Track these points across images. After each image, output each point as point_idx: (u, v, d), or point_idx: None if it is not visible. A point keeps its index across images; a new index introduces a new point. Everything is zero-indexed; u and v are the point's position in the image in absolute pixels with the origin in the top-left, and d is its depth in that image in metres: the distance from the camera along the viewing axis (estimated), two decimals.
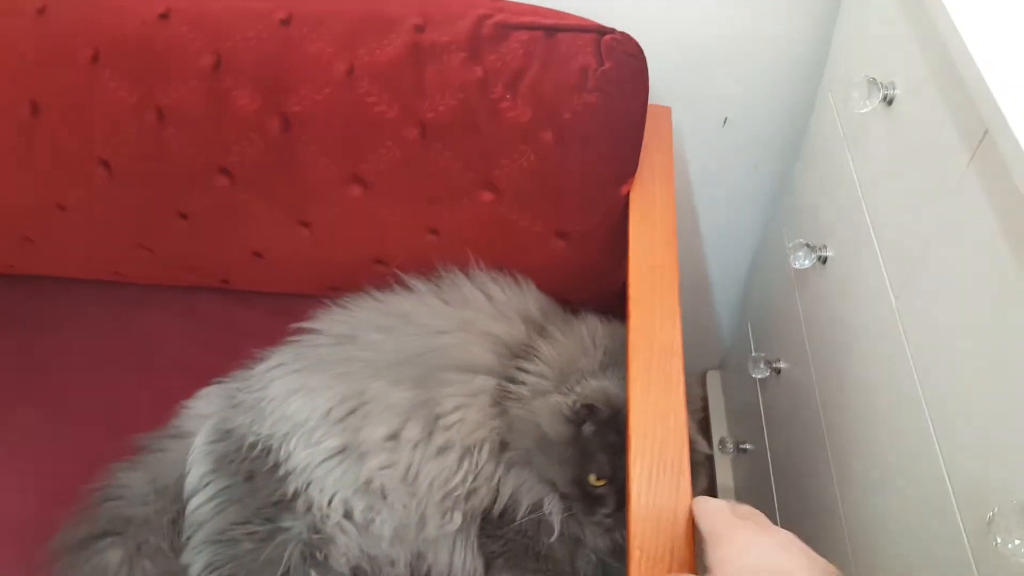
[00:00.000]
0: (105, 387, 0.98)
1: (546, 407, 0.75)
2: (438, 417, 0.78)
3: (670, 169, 0.92)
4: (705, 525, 0.56)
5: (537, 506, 0.76)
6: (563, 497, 0.76)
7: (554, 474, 0.75)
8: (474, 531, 0.79)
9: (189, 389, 0.93)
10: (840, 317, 0.86)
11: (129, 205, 0.95)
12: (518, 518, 0.76)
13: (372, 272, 0.99)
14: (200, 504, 0.79)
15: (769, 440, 1.11)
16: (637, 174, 0.90)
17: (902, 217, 0.71)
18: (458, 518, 0.77)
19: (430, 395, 0.79)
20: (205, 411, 0.87)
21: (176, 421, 0.89)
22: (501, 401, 0.80)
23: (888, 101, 0.74)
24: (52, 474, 0.89)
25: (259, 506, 0.78)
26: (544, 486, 0.77)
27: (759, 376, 1.08)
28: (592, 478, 0.73)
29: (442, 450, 0.77)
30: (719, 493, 1.27)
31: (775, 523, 1.02)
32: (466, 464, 0.77)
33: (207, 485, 0.80)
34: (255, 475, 0.79)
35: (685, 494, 0.64)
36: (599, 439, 0.73)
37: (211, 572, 0.75)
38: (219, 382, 0.91)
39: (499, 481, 0.77)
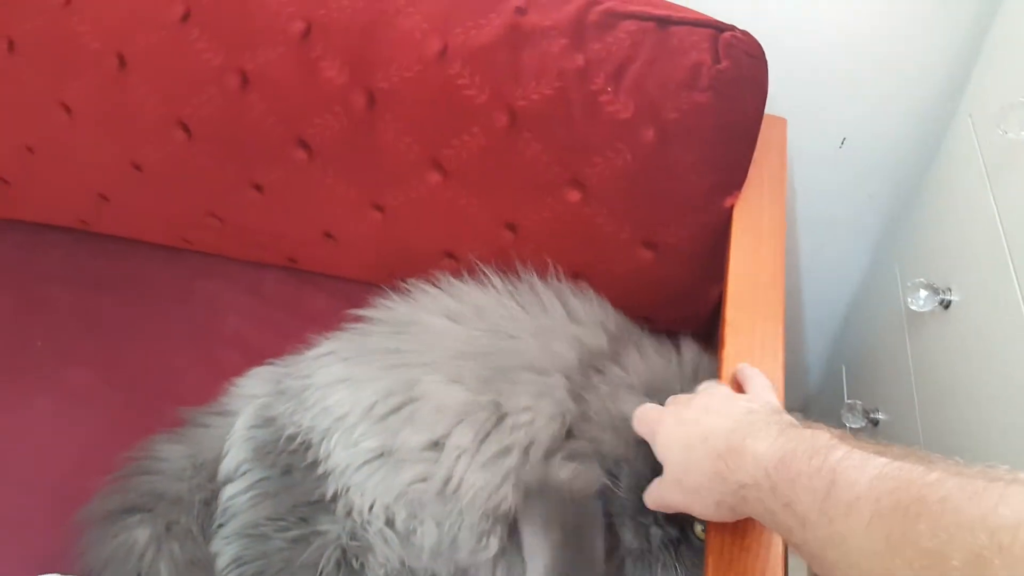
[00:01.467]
0: (160, 355, 0.96)
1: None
2: (500, 419, 0.71)
3: (783, 185, 0.83)
4: (641, 431, 0.61)
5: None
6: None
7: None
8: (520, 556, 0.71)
9: (243, 366, 0.88)
10: (960, 371, 0.75)
11: (204, 171, 0.92)
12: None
13: (441, 266, 0.94)
14: (235, 493, 0.75)
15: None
16: (744, 187, 0.81)
17: None
18: (494, 544, 0.70)
19: (494, 397, 0.71)
20: (253, 392, 0.83)
21: (224, 398, 0.85)
22: (578, 393, 0.72)
23: None
24: (96, 438, 0.86)
25: (294, 503, 0.72)
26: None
27: (854, 426, 0.98)
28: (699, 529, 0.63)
29: (494, 458, 0.70)
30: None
31: None
32: (512, 477, 0.69)
33: (244, 474, 0.75)
34: (292, 470, 0.74)
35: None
36: None
37: (239, 567, 0.71)
38: (271, 363, 0.86)
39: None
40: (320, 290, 1.01)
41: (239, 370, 0.88)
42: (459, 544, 0.70)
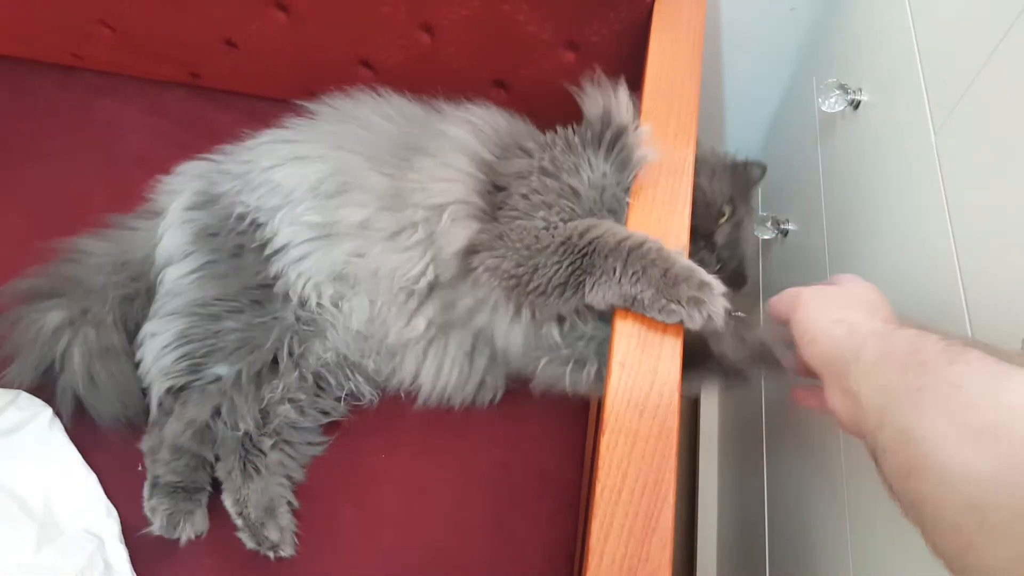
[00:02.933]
0: (63, 176, 0.91)
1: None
2: (409, 207, 0.70)
3: None
4: (778, 313, 0.55)
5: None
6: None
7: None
8: (454, 343, 0.72)
9: (151, 183, 0.84)
10: (865, 170, 0.78)
11: None
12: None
13: (358, 77, 0.90)
14: (180, 275, 0.73)
15: (763, 310, 1.06)
16: None
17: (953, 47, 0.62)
18: (420, 323, 0.71)
19: (406, 186, 0.70)
20: (185, 187, 0.80)
21: (151, 198, 0.81)
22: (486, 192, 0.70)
23: None
24: (2, 260, 0.82)
25: (246, 285, 0.72)
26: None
27: (764, 236, 1.02)
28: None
29: (407, 248, 0.69)
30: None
31: (758, 384, 1.00)
32: (428, 256, 0.69)
33: (188, 256, 0.74)
34: (243, 251, 0.73)
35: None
36: None
37: (187, 343, 0.70)
38: (203, 158, 0.82)
39: None
40: (226, 108, 0.96)
41: (146, 186, 0.84)
42: (388, 324, 0.72)
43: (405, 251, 0.69)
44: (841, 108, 0.84)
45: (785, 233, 0.99)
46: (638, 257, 0.60)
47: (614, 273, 0.60)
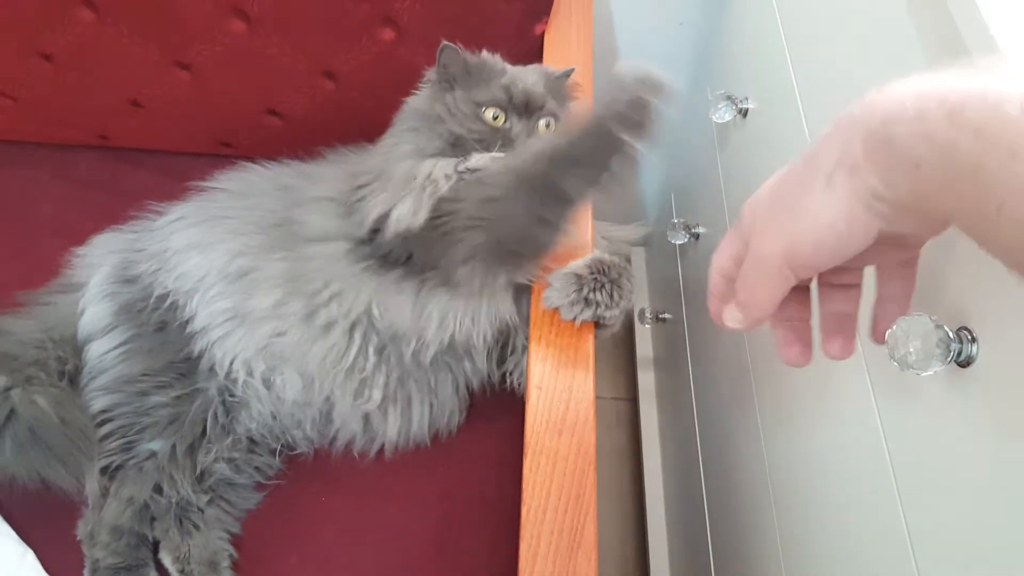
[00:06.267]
0: None
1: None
2: (312, 295, 0.71)
3: (589, 11, 0.85)
4: (726, 254, 0.41)
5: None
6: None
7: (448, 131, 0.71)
8: (415, 388, 0.73)
9: (68, 251, 0.84)
10: (757, 172, 0.83)
11: None
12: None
13: (265, 125, 0.91)
14: (105, 351, 0.73)
15: (686, 309, 1.11)
16: (553, 15, 0.83)
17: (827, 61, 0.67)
18: (376, 395, 0.72)
19: (300, 270, 0.72)
20: (99, 260, 0.80)
21: (67, 272, 0.81)
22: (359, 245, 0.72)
23: None
24: None
25: (172, 360, 0.73)
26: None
27: (678, 242, 1.06)
28: (488, 114, 0.70)
29: (326, 328, 0.71)
30: (638, 363, 1.27)
31: (688, 387, 1.04)
32: (357, 337, 0.71)
33: (111, 331, 0.74)
34: (167, 326, 0.74)
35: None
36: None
37: (112, 420, 0.70)
38: (116, 229, 0.83)
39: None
40: (139, 167, 0.96)
41: (63, 256, 0.84)
42: (333, 399, 0.73)
43: (326, 332, 0.70)
44: (731, 117, 0.89)
45: (697, 236, 1.04)
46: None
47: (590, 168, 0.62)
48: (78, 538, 0.70)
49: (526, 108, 0.71)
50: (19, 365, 0.73)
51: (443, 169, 0.68)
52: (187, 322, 0.73)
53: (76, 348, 0.76)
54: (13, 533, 0.70)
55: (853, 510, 0.54)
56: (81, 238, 0.85)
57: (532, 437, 0.58)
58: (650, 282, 1.37)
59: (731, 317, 0.40)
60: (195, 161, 0.88)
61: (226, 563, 0.69)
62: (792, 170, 0.36)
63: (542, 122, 0.72)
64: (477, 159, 0.68)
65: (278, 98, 0.89)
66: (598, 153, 0.61)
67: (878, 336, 0.40)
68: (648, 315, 1.22)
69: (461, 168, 0.67)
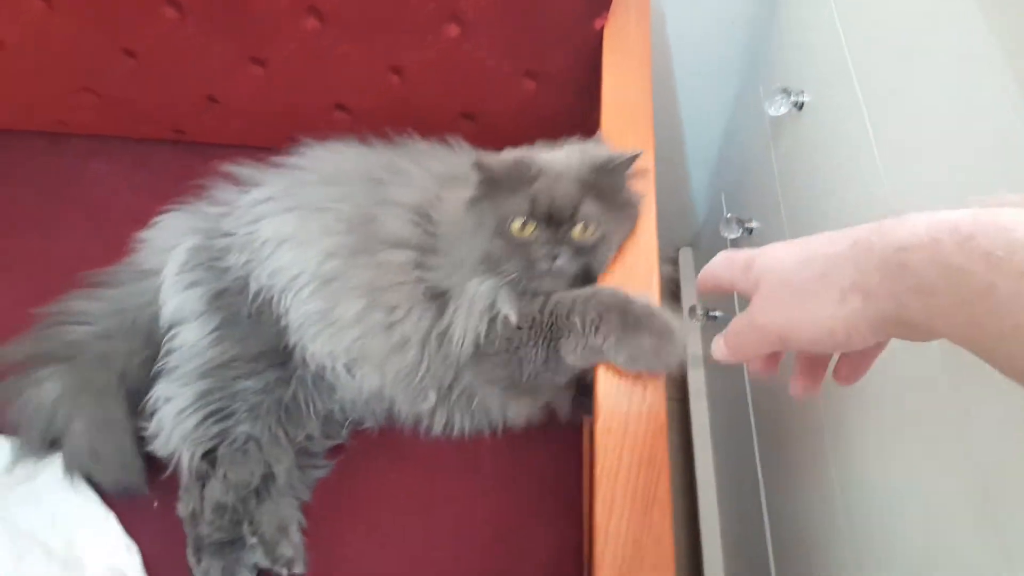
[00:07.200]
0: (54, 241, 0.94)
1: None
2: (390, 310, 0.73)
3: (646, 5, 0.88)
4: (724, 277, 0.46)
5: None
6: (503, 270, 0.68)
7: (479, 248, 0.69)
8: (450, 394, 0.75)
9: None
10: (813, 165, 0.84)
11: (70, 40, 0.89)
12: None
13: (334, 120, 0.95)
14: (197, 337, 0.75)
15: (739, 306, 1.11)
16: (612, 10, 0.86)
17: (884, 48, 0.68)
18: (432, 396, 0.75)
19: (379, 281, 0.73)
20: (172, 243, 0.82)
21: (135, 258, 0.83)
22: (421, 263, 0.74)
23: None
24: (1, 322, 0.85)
25: (264, 347, 0.75)
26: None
27: (731, 236, 1.07)
28: (515, 226, 0.66)
29: (401, 346, 0.73)
30: (688, 361, 1.27)
31: (742, 385, 1.04)
32: (426, 356, 0.72)
33: (201, 316, 0.76)
34: (262, 315, 0.75)
35: None
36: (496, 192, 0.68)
37: (205, 406, 0.72)
38: (181, 209, 0.84)
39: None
40: (211, 160, 1.00)
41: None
42: (397, 400, 0.76)
43: (402, 350, 0.72)
44: (787, 110, 0.90)
45: (750, 231, 1.05)
46: (593, 305, 0.64)
47: (577, 327, 0.64)
48: (180, 516, 0.72)
49: (552, 218, 0.66)
50: (82, 362, 0.75)
51: (479, 303, 0.68)
52: (282, 315, 0.75)
53: (148, 338, 0.78)
54: (96, 496, 0.73)
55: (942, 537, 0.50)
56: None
57: (603, 401, 0.60)
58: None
59: (717, 349, 0.47)
60: (262, 154, 0.91)
61: (295, 527, 0.72)
62: (811, 259, 0.39)
63: (577, 227, 0.66)
64: (505, 304, 0.68)
65: (346, 93, 0.93)
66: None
67: (838, 377, 0.45)
68: (699, 312, 1.23)
69: (492, 313, 0.67)
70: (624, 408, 0.59)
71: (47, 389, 0.74)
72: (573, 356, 0.65)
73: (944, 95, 0.56)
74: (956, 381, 0.49)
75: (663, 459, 0.57)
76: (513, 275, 0.67)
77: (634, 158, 0.68)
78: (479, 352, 0.69)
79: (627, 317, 0.62)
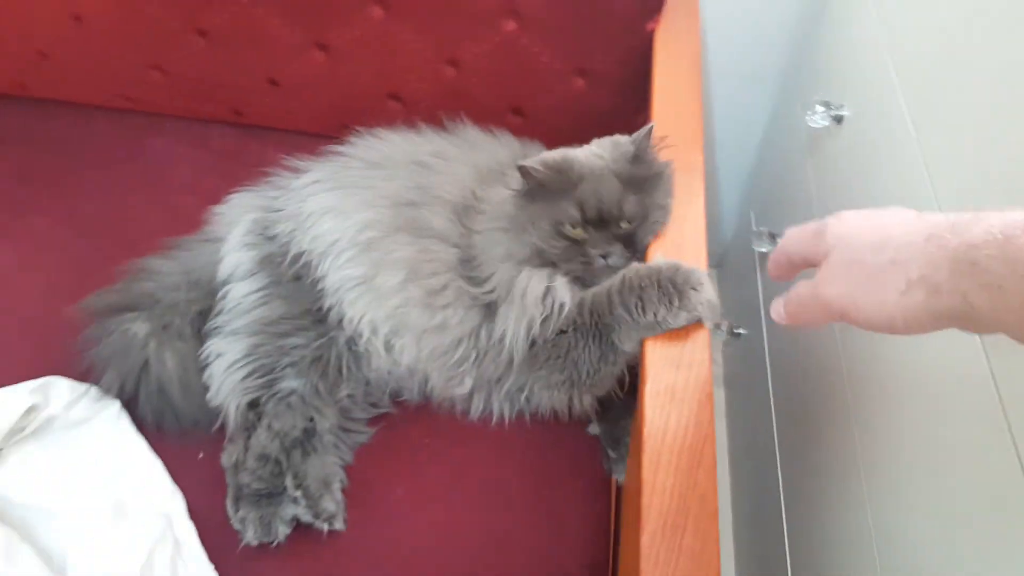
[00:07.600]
0: (115, 205, 0.99)
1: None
2: (431, 293, 0.76)
3: (696, 11, 0.92)
4: (795, 251, 0.47)
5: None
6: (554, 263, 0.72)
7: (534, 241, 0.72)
8: (498, 388, 0.77)
9: (201, 209, 0.92)
10: (851, 180, 0.86)
11: (148, 18, 0.94)
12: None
13: (387, 110, 0.99)
14: (246, 293, 0.79)
15: (766, 323, 1.12)
16: (663, 13, 0.90)
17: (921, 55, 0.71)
18: (468, 383, 0.77)
19: (421, 265, 0.77)
20: (237, 217, 0.87)
21: (208, 227, 0.89)
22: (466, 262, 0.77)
23: None
24: (61, 282, 0.89)
25: (307, 307, 0.78)
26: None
27: (762, 250, 1.09)
28: (567, 230, 0.71)
29: (440, 329, 0.76)
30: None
31: (768, 408, 1.04)
32: (462, 348, 0.75)
33: (252, 276, 0.80)
34: (303, 279, 0.80)
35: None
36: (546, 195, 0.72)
37: (255, 360, 0.76)
38: (250, 190, 0.90)
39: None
40: (266, 142, 1.05)
41: (198, 213, 0.92)
42: (432, 378, 0.78)
43: (440, 332, 0.75)
44: (826, 123, 0.93)
45: None
46: (628, 290, 0.67)
47: (625, 317, 0.67)
48: (223, 466, 0.75)
49: (601, 221, 0.71)
50: (160, 309, 0.81)
51: (534, 291, 0.71)
52: (319, 279, 0.79)
53: (209, 292, 0.83)
54: (145, 443, 0.75)
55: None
56: (213, 198, 0.92)
57: (651, 370, 0.62)
58: (724, 305, 1.39)
59: (776, 311, 0.48)
60: (315, 141, 0.94)
61: (337, 484, 0.73)
62: (884, 244, 0.40)
63: (624, 223, 0.72)
64: (561, 290, 0.71)
65: (402, 83, 0.97)
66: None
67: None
68: (723, 327, 1.24)
69: (547, 302, 0.71)
70: (671, 377, 0.61)
71: (138, 327, 0.79)
72: (630, 343, 0.68)
73: (994, 108, 0.56)
74: (1002, 383, 0.47)
75: (710, 424, 0.58)
76: (568, 269, 0.72)
77: (650, 131, 0.73)
78: (533, 355, 0.72)
79: (663, 285, 0.65)
